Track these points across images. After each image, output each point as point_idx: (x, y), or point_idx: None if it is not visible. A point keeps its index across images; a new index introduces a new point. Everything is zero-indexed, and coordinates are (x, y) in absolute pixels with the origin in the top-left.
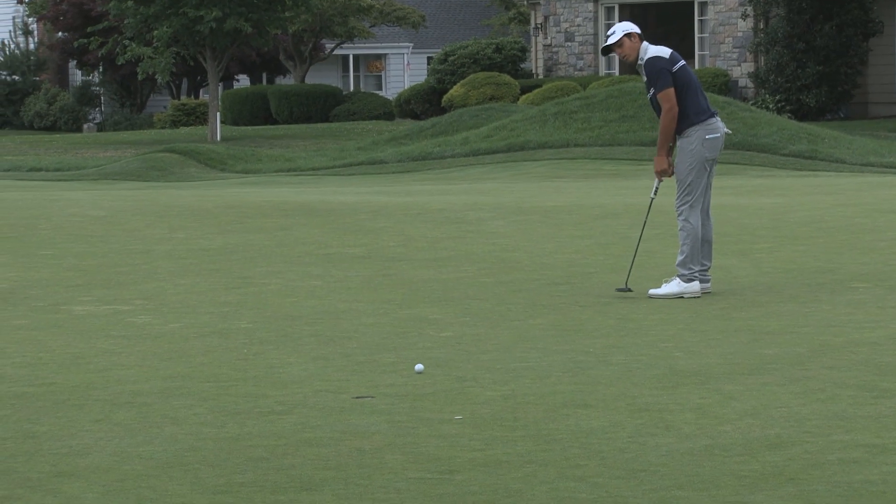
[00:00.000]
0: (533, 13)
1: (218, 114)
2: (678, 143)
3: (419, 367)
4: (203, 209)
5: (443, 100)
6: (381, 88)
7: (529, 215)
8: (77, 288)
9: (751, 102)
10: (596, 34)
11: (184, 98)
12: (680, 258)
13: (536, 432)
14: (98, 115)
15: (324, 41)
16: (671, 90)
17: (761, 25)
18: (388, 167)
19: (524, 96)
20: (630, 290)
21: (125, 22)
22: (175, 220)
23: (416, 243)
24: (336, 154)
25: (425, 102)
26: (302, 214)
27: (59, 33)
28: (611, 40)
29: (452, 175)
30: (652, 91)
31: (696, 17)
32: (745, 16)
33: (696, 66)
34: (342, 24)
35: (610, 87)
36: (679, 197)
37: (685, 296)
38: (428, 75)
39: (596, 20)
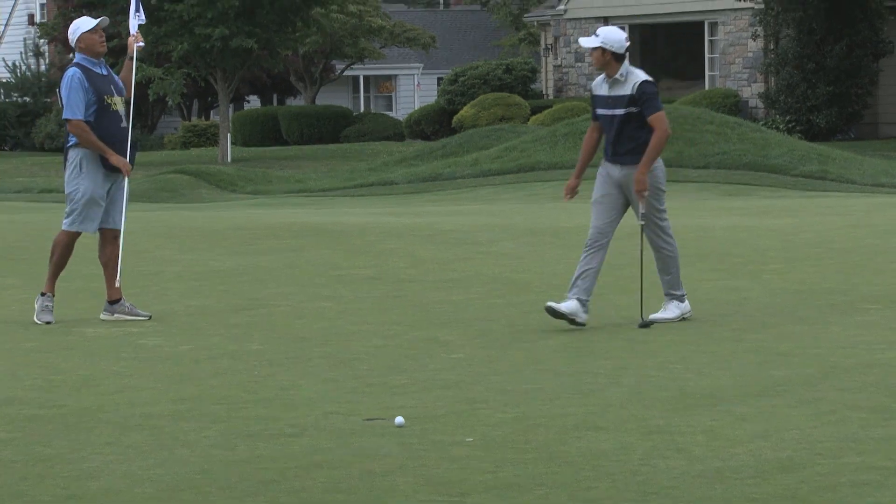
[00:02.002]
0: (543, 34)
1: (228, 135)
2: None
3: (399, 419)
4: (214, 230)
5: (453, 121)
6: (391, 109)
7: (540, 236)
8: (88, 310)
9: (761, 123)
10: None
11: (194, 119)
12: (667, 279)
13: (548, 454)
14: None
15: (334, 62)
16: (664, 113)
17: (771, 46)
18: (398, 188)
19: (534, 117)
20: (651, 323)
21: None
22: (185, 242)
23: (427, 265)
24: (346, 175)
25: (435, 123)
26: (312, 236)
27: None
28: (590, 43)
29: (463, 196)
30: (626, 111)
31: (707, 38)
32: (755, 36)
33: (707, 87)
34: (353, 45)
35: None
36: (656, 228)
37: (686, 316)
38: (438, 96)
39: None
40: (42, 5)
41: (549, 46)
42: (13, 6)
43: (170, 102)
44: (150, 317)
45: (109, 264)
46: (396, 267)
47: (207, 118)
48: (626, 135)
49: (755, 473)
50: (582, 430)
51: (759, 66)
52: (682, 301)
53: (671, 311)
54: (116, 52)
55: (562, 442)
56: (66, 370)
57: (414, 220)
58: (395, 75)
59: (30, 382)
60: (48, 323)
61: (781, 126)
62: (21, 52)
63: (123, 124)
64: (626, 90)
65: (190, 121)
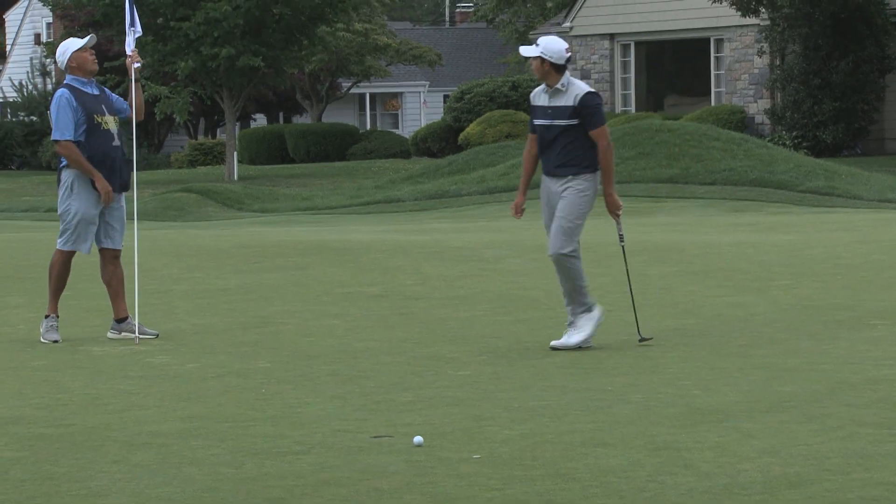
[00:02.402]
0: None
1: (235, 153)
2: (571, 183)
3: (418, 439)
4: (220, 249)
5: (459, 138)
6: (397, 127)
7: (546, 253)
8: (95, 328)
9: (767, 139)
10: (612, 72)
11: (201, 138)
12: (574, 296)
13: (555, 471)
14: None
15: (340, 80)
16: (607, 127)
17: (777, 62)
18: (404, 205)
19: None
20: (650, 338)
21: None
22: (192, 260)
23: (433, 282)
24: (353, 192)
25: (442, 140)
26: (319, 253)
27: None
28: (530, 52)
29: (469, 213)
30: (567, 122)
31: (713, 54)
32: (761, 52)
33: (713, 103)
34: (359, 63)
35: (626, 124)
36: (567, 238)
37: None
38: (444, 113)
39: (612, 58)
40: (48, 25)
41: None
42: (19, 26)
43: (177, 121)
44: (157, 335)
45: (112, 283)
46: (403, 284)
47: (214, 136)
48: (564, 146)
49: (763, 489)
50: (589, 447)
51: (765, 83)
52: (591, 310)
53: (581, 331)
54: (123, 71)
55: (569, 458)
56: (74, 389)
57: (420, 237)
58: (402, 93)
59: (37, 401)
60: (55, 341)
61: (788, 142)
62: (27, 72)
63: (115, 143)
64: (569, 101)
65: (196, 139)
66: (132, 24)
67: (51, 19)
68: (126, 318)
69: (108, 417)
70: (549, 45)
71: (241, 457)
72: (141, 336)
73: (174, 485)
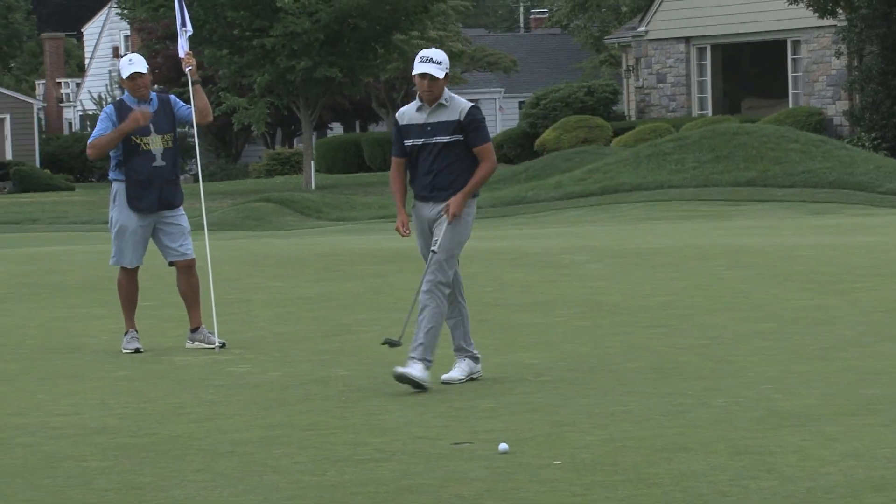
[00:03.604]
0: (624, 55)
1: (312, 162)
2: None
3: (503, 446)
4: (300, 257)
5: (535, 144)
6: None
7: (625, 258)
8: (177, 338)
9: (846, 140)
10: (688, 75)
11: (278, 147)
12: (429, 338)
13: (636, 476)
14: (194, 167)
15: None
16: (492, 144)
17: (855, 63)
18: (481, 212)
19: (617, 139)
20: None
21: (220, 73)
22: (272, 269)
23: (512, 288)
24: None
25: (518, 147)
26: (397, 261)
27: (155, 86)
28: (436, 71)
29: (546, 219)
30: (451, 139)
31: (790, 56)
32: (838, 54)
33: (790, 105)
34: None
35: (703, 127)
36: (438, 270)
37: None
38: (520, 120)
39: (688, 61)
40: (126, 37)
41: (631, 68)
42: (97, 39)
43: (254, 132)
44: (224, 345)
45: (187, 294)
46: (482, 290)
47: (291, 146)
48: (445, 165)
49: (847, 493)
50: (671, 452)
51: (842, 84)
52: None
53: (460, 369)
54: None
55: (651, 464)
56: (157, 398)
57: (498, 243)
58: (477, 99)
59: (121, 411)
60: (137, 350)
61: (867, 143)
62: (106, 84)
63: (157, 163)
64: (453, 116)
65: (274, 149)
66: (183, 25)
67: (128, 32)
68: (199, 327)
69: (191, 427)
70: (446, 59)
71: (323, 464)
72: (206, 345)
73: (257, 493)
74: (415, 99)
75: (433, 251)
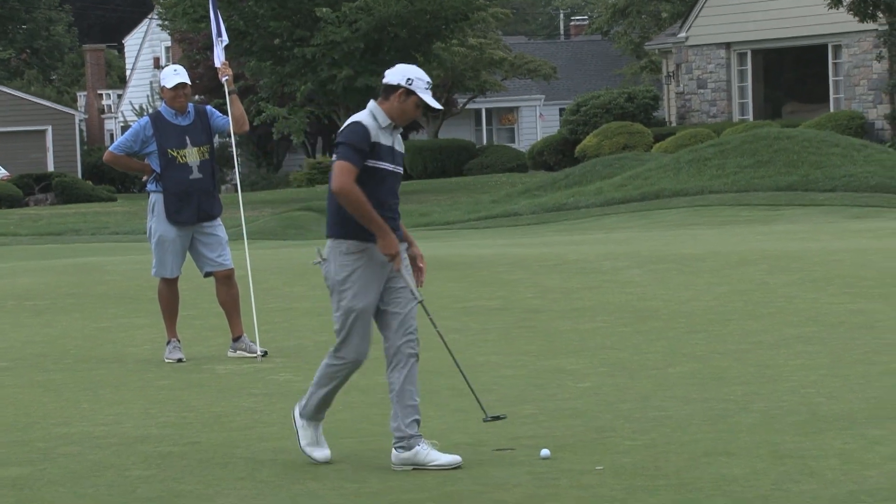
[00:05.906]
0: (665, 61)
1: None
2: (413, 250)
3: (545, 451)
4: None
5: (576, 150)
6: (513, 141)
7: (665, 264)
8: (218, 347)
9: (888, 144)
10: (729, 80)
11: (319, 156)
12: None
13: (678, 481)
14: (235, 176)
15: (456, 96)
16: None
17: None
18: (522, 219)
19: (657, 144)
20: (502, 417)
21: (261, 83)
22: (313, 278)
23: (553, 294)
24: (470, 207)
25: (558, 153)
26: (438, 268)
27: (196, 96)
28: (434, 103)
29: (587, 225)
30: (400, 171)
31: (831, 61)
32: (879, 57)
33: (832, 109)
34: (474, 79)
35: (744, 132)
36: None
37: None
38: (560, 126)
39: (728, 66)
40: (167, 48)
41: (671, 74)
42: (138, 50)
43: (294, 141)
44: (266, 353)
45: (226, 303)
46: (523, 297)
47: (332, 155)
48: (396, 203)
49: (890, 496)
50: (712, 456)
51: (884, 87)
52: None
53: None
54: (240, 90)
55: (692, 468)
56: (199, 407)
57: (539, 250)
58: (518, 107)
59: (163, 419)
60: (179, 360)
61: None
62: (147, 95)
63: (194, 176)
64: (400, 145)
65: (314, 158)
66: (219, 35)
67: (169, 43)
68: (240, 336)
69: (233, 435)
70: (408, 71)
71: (364, 472)
72: (248, 354)
73: (299, 500)
74: (377, 113)
75: (419, 301)
